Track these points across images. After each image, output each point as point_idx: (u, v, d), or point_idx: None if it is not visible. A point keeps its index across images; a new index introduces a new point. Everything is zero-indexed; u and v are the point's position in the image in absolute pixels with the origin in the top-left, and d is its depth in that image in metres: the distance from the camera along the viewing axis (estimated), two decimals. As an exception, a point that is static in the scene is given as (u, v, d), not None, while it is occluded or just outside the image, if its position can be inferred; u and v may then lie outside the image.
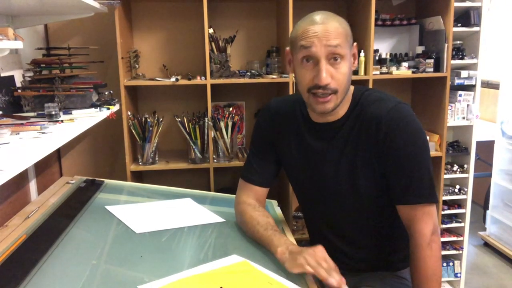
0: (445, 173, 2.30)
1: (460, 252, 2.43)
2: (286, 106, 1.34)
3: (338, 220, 1.31)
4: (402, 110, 1.16)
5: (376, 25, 2.08)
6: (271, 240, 1.16)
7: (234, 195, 1.43)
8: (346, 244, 1.33)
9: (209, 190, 2.00)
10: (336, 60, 1.12)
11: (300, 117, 1.30)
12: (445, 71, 2.10)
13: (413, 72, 2.12)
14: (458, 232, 2.45)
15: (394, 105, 1.16)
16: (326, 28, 1.11)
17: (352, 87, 1.24)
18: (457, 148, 2.38)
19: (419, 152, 1.16)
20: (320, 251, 1.08)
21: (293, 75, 1.26)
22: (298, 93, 1.25)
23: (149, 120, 1.98)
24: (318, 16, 1.14)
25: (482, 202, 3.33)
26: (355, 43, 1.20)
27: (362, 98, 1.22)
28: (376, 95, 1.22)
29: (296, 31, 1.17)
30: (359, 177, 1.22)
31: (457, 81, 2.27)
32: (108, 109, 1.68)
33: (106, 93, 1.80)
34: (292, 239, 1.30)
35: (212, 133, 2.00)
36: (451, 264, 2.44)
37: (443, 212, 2.38)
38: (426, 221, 1.15)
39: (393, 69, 2.12)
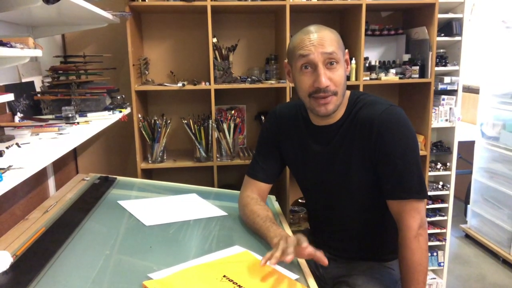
0: (429, 171, 2.29)
1: (443, 243, 2.43)
2: (289, 111, 1.35)
3: (333, 213, 1.32)
4: (393, 112, 1.16)
5: (366, 35, 2.08)
6: (268, 232, 1.16)
7: (236, 191, 1.43)
8: (339, 235, 1.33)
9: (213, 186, 2.00)
10: (332, 64, 1.13)
11: (301, 120, 1.31)
12: (429, 77, 2.09)
13: (400, 78, 2.12)
14: (441, 224, 2.45)
15: (386, 107, 1.17)
16: (320, 37, 1.13)
17: (348, 92, 1.24)
18: (441, 148, 2.38)
19: (408, 151, 1.15)
20: (291, 239, 1.04)
21: (292, 84, 1.27)
22: (298, 98, 1.25)
23: (158, 122, 1.98)
24: (312, 27, 1.17)
25: (463, 197, 3.34)
26: (346, 50, 1.21)
27: (357, 102, 1.22)
28: (371, 98, 1.22)
29: (293, 42, 1.19)
30: (352, 175, 1.22)
31: (441, 86, 2.26)
32: (120, 112, 1.68)
33: (119, 97, 1.80)
34: (288, 230, 1.30)
35: (215, 134, 2.00)
36: (435, 254, 2.44)
37: (427, 207, 2.38)
38: (414, 216, 1.14)
39: (382, 75, 2.12)
